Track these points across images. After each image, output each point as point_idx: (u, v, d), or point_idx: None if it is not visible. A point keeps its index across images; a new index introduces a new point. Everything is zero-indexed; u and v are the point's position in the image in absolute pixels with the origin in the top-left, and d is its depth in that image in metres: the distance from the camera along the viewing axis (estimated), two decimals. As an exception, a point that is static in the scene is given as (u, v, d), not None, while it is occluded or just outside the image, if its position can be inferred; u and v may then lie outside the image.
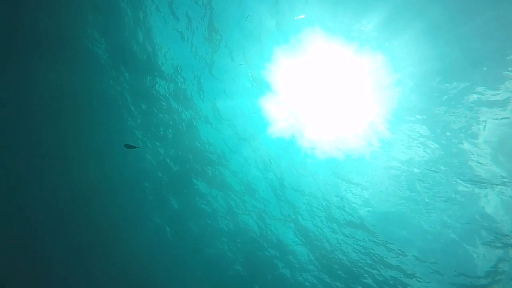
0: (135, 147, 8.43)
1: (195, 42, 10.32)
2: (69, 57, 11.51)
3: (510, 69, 7.39)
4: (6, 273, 16.41)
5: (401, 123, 9.51)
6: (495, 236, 9.72)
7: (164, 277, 19.04)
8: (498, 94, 7.77)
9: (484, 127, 8.36)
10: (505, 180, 8.76)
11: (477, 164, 8.94)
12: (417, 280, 11.88)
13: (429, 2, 7.43)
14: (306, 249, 13.74)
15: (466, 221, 10.05)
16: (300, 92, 10.44)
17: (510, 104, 7.80)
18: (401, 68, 8.64)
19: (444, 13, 7.43)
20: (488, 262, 10.24)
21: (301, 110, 10.81)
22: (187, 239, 16.64)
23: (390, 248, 11.87)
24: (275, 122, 11.34)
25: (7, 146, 14.00)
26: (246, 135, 12.02)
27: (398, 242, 11.66)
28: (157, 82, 11.45)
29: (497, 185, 8.93)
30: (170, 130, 12.84)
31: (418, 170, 10.06)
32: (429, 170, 9.88)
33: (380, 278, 12.65)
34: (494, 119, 8.13)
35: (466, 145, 8.87)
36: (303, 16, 8.88)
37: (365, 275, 12.92)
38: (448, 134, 9.00)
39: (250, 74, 10.58)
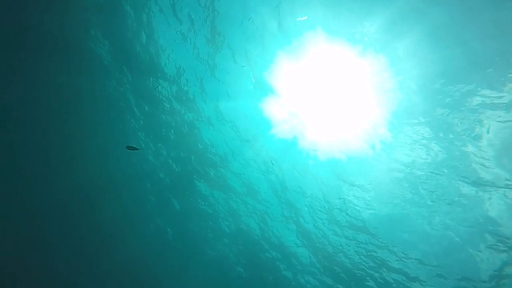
0: (138, 149, 8.44)
1: (198, 44, 10.35)
2: (73, 58, 11.59)
3: (514, 71, 7.35)
4: (9, 272, 16.47)
5: (404, 125, 9.48)
6: (499, 239, 9.64)
7: (165, 278, 19.02)
8: (502, 96, 7.72)
9: (488, 129, 8.30)
10: (509, 183, 8.69)
11: (481, 166, 8.88)
12: (420, 284, 11.80)
13: (432, 4, 7.41)
14: (308, 251, 13.69)
15: (469, 224, 9.98)
16: (302, 94, 10.44)
17: (514, 106, 7.76)
18: (404, 70, 8.62)
19: (447, 15, 7.41)
20: (492, 266, 10.15)
21: (303, 112, 10.80)
22: (189, 241, 16.63)
23: (392, 251, 11.80)
24: (277, 124, 11.33)
25: (11, 146, 14.08)
26: (248, 136, 12.03)
27: (401, 245, 11.59)
28: (159, 85, 11.50)
29: (501, 187, 8.86)
30: (172, 131, 12.87)
31: (421, 173, 10.00)
32: (432, 172, 9.82)
33: (382, 281, 12.57)
34: (498, 121, 8.08)
35: (469, 148, 8.82)
36: (305, 17, 8.89)
37: (368, 278, 12.85)
38: (451, 136, 8.95)
39: (252, 76, 10.59)
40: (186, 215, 15.57)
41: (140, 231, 17.21)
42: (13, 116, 13.22)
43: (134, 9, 10.02)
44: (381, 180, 10.81)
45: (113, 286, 19.25)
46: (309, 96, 10.40)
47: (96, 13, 10.31)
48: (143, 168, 14.33)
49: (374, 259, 12.33)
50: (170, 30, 10.22)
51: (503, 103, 7.81)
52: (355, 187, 11.37)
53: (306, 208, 12.67)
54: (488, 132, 8.35)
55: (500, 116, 8.01)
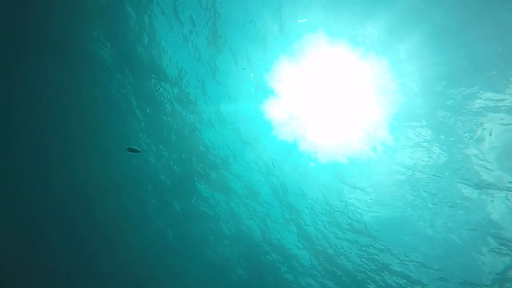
0: (138, 151, 8.44)
1: (199, 46, 10.38)
2: (75, 60, 11.64)
3: (516, 74, 7.33)
4: (9, 272, 16.47)
5: (405, 127, 9.45)
6: (502, 242, 9.57)
7: (165, 280, 18.98)
8: (505, 99, 7.69)
9: (490, 132, 8.27)
10: (512, 185, 8.64)
11: (483, 169, 8.84)
12: (422, 287, 11.73)
13: (434, 6, 7.40)
14: (309, 253, 13.65)
15: (471, 227, 9.92)
16: (303, 96, 10.43)
17: (516, 109, 7.73)
18: (405, 72, 8.60)
19: (449, 17, 7.40)
20: (494, 269, 10.08)
21: (304, 114, 10.79)
22: (189, 242, 16.61)
23: (394, 253, 11.74)
24: (278, 126, 11.33)
25: (13, 147, 14.12)
26: (249, 139, 12.02)
27: (402, 247, 11.53)
28: (160, 87, 11.52)
29: (504, 190, 8.81)
30: (173, 133, 12.89)
31: (423, 175, 9.96)
32: (433, 175, 9.78)
33: (384, 284, 12.51)
34: (500, 124, 8.05)
35: (471, 150, 8.78)
36: (305, 20, 8.90)
37: (369, 281, 12.78)
38: (453, 139, 8.92)
39: (253, 78, 10.61)
40: (187, 216, 15.56)
41: (141, 233, 17.20)
42: (15, 116, 13.27)
43: (136, 11, 10.07)
44: (382, 183, 10.77)
45: (114, 287, 19.21)
46: (310, 99, 10.39)
47: (98, 14, 10.36)
48: (144, 169, 14.35)
49: (376, 262, 12.27)
50: (172, 32, 10.26)
51: (506, 106, 7.78)
52: (356, 190, 11.33)
53: (307, 211, 12.63)
54: (490, 135, 8.31)
55: (502, 119, 7.97)
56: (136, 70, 11.57)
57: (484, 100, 7.95)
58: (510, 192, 8.76)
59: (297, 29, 9.17)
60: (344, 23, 8.58)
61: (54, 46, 11.22)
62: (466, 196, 9.53)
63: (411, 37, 7.98)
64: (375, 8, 7.94)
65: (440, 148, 9.26)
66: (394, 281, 12.23)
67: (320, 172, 11.64)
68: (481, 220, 9.62)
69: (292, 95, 10.54)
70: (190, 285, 18.40)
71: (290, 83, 10.30)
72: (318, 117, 10.67)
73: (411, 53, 8.24)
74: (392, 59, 8.57)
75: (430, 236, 10.88)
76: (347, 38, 8.78)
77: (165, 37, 10.45)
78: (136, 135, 13.40)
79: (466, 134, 8.64)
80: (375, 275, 12.53)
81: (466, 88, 8.01)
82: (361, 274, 12.85)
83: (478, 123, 8.31)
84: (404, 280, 12.00)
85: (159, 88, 11.55)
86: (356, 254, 12.53)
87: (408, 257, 11.55)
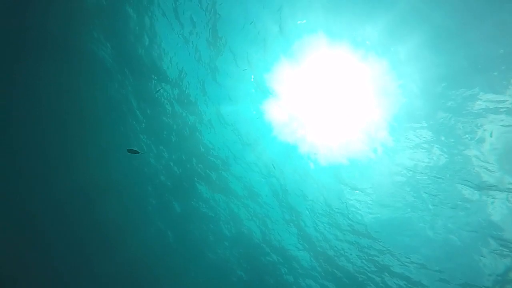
0: (138, 153, 8.43)
1: (200, 47, 10.39)
2: (75, 60, 11.64)
3: (517, 75, 7.31)
4: (10, 273, 16.46)
5: (406, 129, 9.44)
6: (503, 243, 9.54)
7: (166, 281, 18.95)
8: (505, 101, 7.68)
9: (491, 133, 8.26)
10: (512, 187, 8.62)
11: (484, 170, 8.82)
12: (423, 288, 11.71)
13: (435, 7, 7.40)
14: (309, 255, 13.62)
15: (472, 228, 9.90)
16: (303, 98, 10.43)
17: (517, 110, 7.71)
18: (405, 74, 8.60)
19: (449, 18, 7.39)
20: (495, 271, 10.05)
21: (304, 116, 10.79)
22: (189, 243, 16.59)
23: (394, 255, 11.72)
24: (279, 127, 11.32)
25: (13, 147, 14.13)
26: (249, 140, 12.02)
27: (403, 249, 11.51)
28: (161, 88, 11.53)
29: (504, 191, 8.79)
30: (174, 134, 12.89)
31: (423, 177, 9.95)
32: (434, 176, 9.76)
33: (384, 286, 12.48)
34: (501, 125, 8.04)
35: (472, 152, 8.77)
36: (304, 21, 8.90)
37: (369, 282, 12.75)
38: (453, 140, 8.90)
39: (253, 79, 10.60)
40: (187, 217, 15.55)
41: (141, 234, 17.18)
42: (15, 117, 13.28)
43: (136, 12, 10.07)
44: (382, 184, 10.75)
45: (114, 289, 19.19)
46: (311, 100, 10.39)
47: (99, 15, 10.37)
48: (145, 170, 14.34)
49: (376, 263, 12.25)
50: (173, 33, 10.26)
51: (506, 107, 7.77)
52: (357, 191, 11.32)
53: (307, 212, 12.62)
54: (491, 136, 8.30)
55: (502, 120, 7.96)
56: (136, 71, 11.58)
57: (485, 102, 7.94)
58: (511, 194, 8.74)
59: (297, 30, 9.17)
60: (344, 24, 8.58)
61: (54, 46, 11.22)
62: (466, 197, 9.51)
63: (411, 38, 7.97)
64: (375, 9, 7.94)
65: (440, 149, 9.24)
66: (394, 283, 12.20)
67: (320, 173, 11.63)
68: (481, 221, 9.60)
69: (292, 96, 10.53)
70: (190, 286, 18.37)
71: (290, 84, 10.30)
72: (318, 118, 10.66)
73: (411, 54, 8.24)
74: (392, 60, 8.56)
75: (431, 238, 10.85)
76: (347, 39, 8.78)
77: (166, 38, 10.45)
78: (137, 136, 13.40)
79: (466, 136, 8.63)
80: (375, 276, 12.50)
81: (467, 89, 8.00)
82: (361, 276, 12.83)
83: (479, 125, 8.30)
84: (405, 282, 11.97)
85: (159, 89, 11.55)
86: (357, 255, 12.50)
87: (409, 258, 11.52)
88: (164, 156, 13.64)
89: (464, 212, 9.82)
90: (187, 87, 11.46)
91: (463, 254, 10.46)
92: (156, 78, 11.48)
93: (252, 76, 10.54)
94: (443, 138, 9.03)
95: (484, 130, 8.30)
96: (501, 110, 7.84)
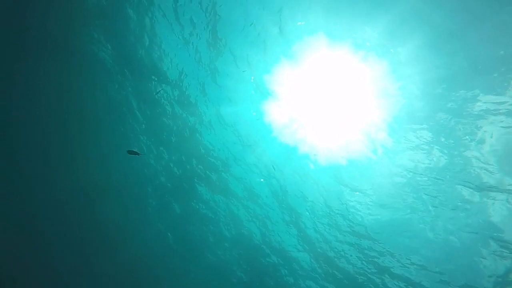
0: (138, 154, 8.43)
1: (200, 48, 10.39)
2: (75, 61, 11.66)
3: (517, 76, 7.31)
4: (10, 273, 16.46)
5: (406, 130, 9.43)
6: (503, 245, 9.53)
7: (165, 282, 18.94)
8: (505, 102, 7.67)
9: (491, 135, 8.25)
10: (513, 188, 8.61)
11: (484, 172, 8.81)
12: (423, 290, 11.69)
13: (435, 9, 7.40)
14: (309, 256, 13.60)
15: (472, 229, 9.88)
16: (303, 99, 10.43)
17: (517, 112, 7.71)
18: (405, 75, 8.59)
19: (449, 20, 7.39)
20: (495, 272, 10.04)
21: (304, 117, 10.78)
22: (189, 245, 16.58)
23: (394, 256, 11.70)
24: (279, 129, 11.32)
25: (13, 147, 14.14)
26: (249, 141, 12.01)
27: (403, 250, 11.49)
28: (161, 89, 11.54)
29: (505, 193, 8.78)
30: (174, 135, 12.89)
31: (423, 178, 9.94)
32: (434, 177, 9.75)
33: (384, 287, 12.45)
34: (501, 127, 8.03)
35: (472, 153, 8.76)
36: (303, 23, 8.90)
37: (370, 284, 12.73)
38: (453, 141, 8.90)
39: (253, 81, 10.60)
40: (187, 219, 15.54)
41: (141, 235, 17.18)
42: (15, 117, 13.29)
43: (137, 13, 10.08)
44: (382, 185, 10.74)
45: (113, 290, 19.18)
46: (311, 101, 10.39)
47: (99, 16, 10.38)
48: (144, 171, 14.34)
49: (376, 265, 12.23)
50: (173, 34, 10.27)
51: (506, 109, 7.76)
52: (357, 192, 11.30)
53: (307, 213, 12.60)
54: (491, 137, 8.29)
55: (502, 121, 7.95)
56: (136, 72, 11.58)
57: (485, 103, 7.93)
58: (511, 195, 8.73)
59: (297, 32, 9.17)
60: (344, 26, 8.58)
61: (54, 47, 11.24)
62: (466, 198, 9.50)
63: (411, 39, 7.97)
64: (375, 11, 7.93)
65: (440, 150, 9.23)
66: (395, 284, 12.18)
67: (320, 175, 11.62)
68: (482, 222, 9.59)
69: (292, 98, 10.53)
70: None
71: (290, 85, 10.30)
72: (318, 120, 10.66)
73: (412, 56, 8.23)
74: (392, 62, 8.56)
75: (431, 239, 10.84)
76: (347, 40, 8.78)
77: (166, 39, 10.46)
78: (137, 137, 13.40)
79: (466, 137, 8.62)
80: (375, 278, 12.48)
81: (467, 90, 8.00)
82: (361, 277, 12.81)
83: (479, 126, 8.29)
84: (405, 283, 11.95)
85: (160, 90, 11.56)
86: (357, 256, 12.48)
87: (409, 259, 11.50)
88: (164, 157, 13.64)
89: (464, 213, 9.81)
90: (187, 88, 11.47)
91: (463, 256, 10.44)
92: (156, 79, 11.48)
93: (252, 77, 10.54)
94: (443, 139, 9.02)
95: (484, 131, 8.29)
96: (501, 111, 7.83)
